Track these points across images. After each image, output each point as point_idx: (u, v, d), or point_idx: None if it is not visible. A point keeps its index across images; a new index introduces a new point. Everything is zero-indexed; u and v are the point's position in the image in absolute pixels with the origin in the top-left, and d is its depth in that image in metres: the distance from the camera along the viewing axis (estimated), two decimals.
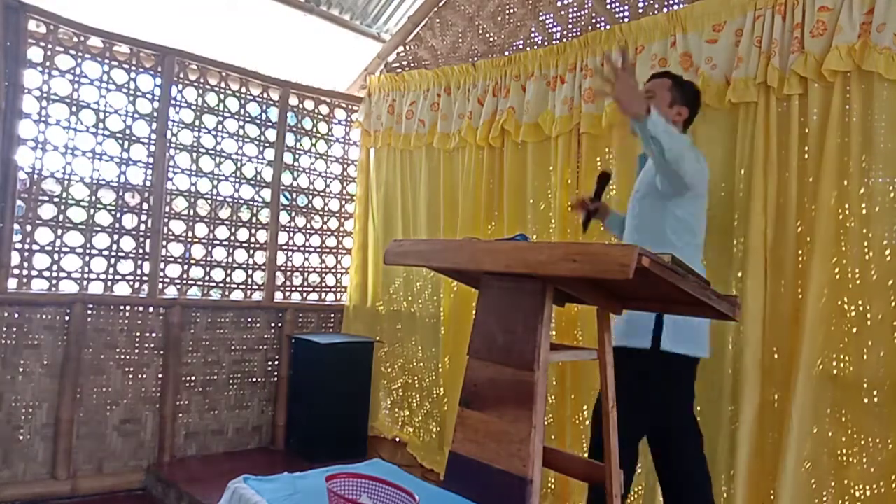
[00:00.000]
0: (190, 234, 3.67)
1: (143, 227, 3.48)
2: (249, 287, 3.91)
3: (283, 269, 4.09)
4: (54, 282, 3.20)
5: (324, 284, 4.32)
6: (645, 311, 2.06)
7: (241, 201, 3.89)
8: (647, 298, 1.85)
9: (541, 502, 1.84)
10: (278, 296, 4.04)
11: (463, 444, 1.73)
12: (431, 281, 3.78)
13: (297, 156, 4.15)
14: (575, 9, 3.30)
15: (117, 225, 3.38)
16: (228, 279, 3.82)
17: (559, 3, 3.38)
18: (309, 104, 4.21)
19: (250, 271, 3.91)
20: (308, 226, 4.23)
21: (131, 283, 3.44)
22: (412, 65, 4.16)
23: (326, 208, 4.32)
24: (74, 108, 3.24)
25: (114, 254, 3.37)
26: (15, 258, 3.06)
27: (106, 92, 3.34)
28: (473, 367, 1.78)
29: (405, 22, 4.13)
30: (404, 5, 4.14)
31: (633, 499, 2.75)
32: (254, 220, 3.97)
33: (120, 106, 3.39)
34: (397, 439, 4.03)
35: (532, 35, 3.51)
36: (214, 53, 3.74)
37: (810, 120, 2.34)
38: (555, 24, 3.41)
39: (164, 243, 3.54)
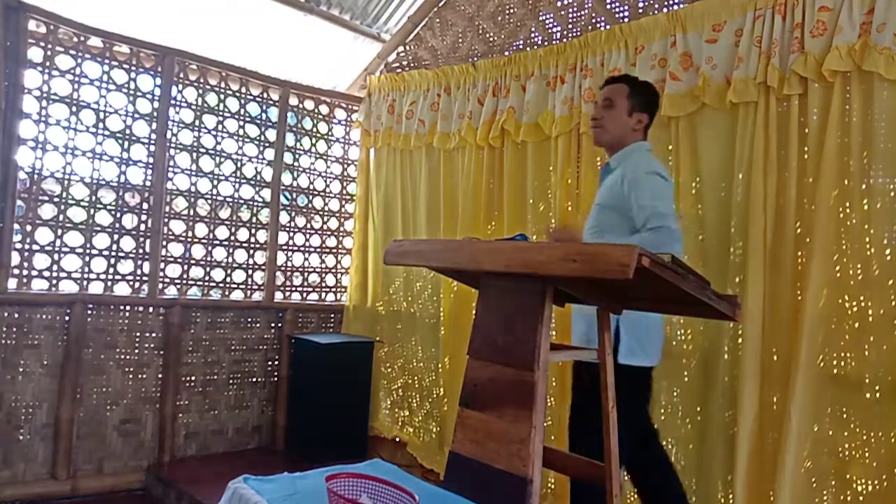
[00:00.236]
0: (190, 234, 3.67)
1: (143, 227, 3.48)
2: (249, 287, 3.91)
3: (283, 269, 4.09)
4: (54, 282, 3.20)
5: (324, 284, 4.32)
6: (644, 312, 2.05)
7: (241, 201, 3.89)
8: (647, 298, 1.85)
9: (541, 502, 1.84)
10: (278, 296, 4.04)
11: (463, 444, 1.73)
12: (431, 281, 3.78)
13: (297, 156, 4.15)
14: (575, 9, 3.30)
15: (117, 225, 3.38)
16: (228, 279, 3.82)
17: (559, 3, 3.38)
18: (309, 104, 4.21)
19: (250, 271, 3.91)
20: (308, 226, 4.23)
21: (131, 283, 3.44)
22: (412, 65, 4.16)
23: (326, 208, 4.32)
24: (74, 108, 3.24)
25: (114, 254, 3.37)
26: (15, 258, 3.06)
27: (106, 92, 3.34)
28: (473, 367, 1.78)
29: (405, 22, 4.14)
30: (404, 5, 4.14)
31: (632, 499, 2.75)
32: (254, 220, 3.97)
33: (120, 106, 3.39)
34: (397, 439, 4.03)
35: (532, 35, 3.51)
36: (214, 53, 3.74)
37: (810, 120, 2.33)
38: (555, 24, 3.41)
39: (164, 243, 3.54)
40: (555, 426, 3.03)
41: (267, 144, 3.97)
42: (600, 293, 1.82)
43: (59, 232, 3.21)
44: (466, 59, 3.80)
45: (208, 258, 3.74)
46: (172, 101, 3.56)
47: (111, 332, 3.34)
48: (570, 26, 3.32)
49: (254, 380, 3.90)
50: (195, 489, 3.05)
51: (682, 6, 2.76)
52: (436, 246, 1.99)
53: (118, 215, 3.38)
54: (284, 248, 4.10)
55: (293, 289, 4.15)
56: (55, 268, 3.20)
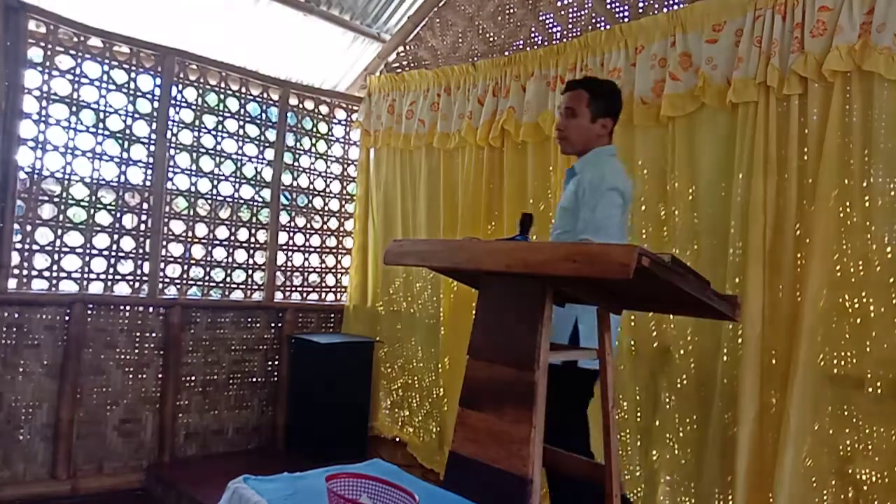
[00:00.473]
0: (190, 234, 3.67)
1: (143, 227, 3.48)
2: (249, 287, 3.91)
3: (283, 269, 4.09)
4: (54, 282, 3.20)
5: (324, 284, 4.32)
6: (645, 312, 2.06)
7: (241, 201, 3.89)
8: (647, 298, 1.85)
9: (541, 502, 1.84)
10: (278, 296, 4.04)
11: (463, 444, 1.73)
12: (431, 281, 3.78)
13: (297, 156, 4.15)
14: (575, 9, 3.30)
15: (117, 225, 3.38)
16: (228, 279, 3.82)
17: (559, 3, 3.38)
18: (309, 104, 4.21)
19: (250, 271, 3.91)
20: (308, 226, 4.23)
21: (131, 283, 3.44)
22: (412, 65, 4.16)
23: (326, 208, 4.32)
24: (74, 108, 3.24)
25: (114, 254, 3.37)
26: (15, 258, 3.06)
27: (106, 92, 3.34)
28: (473, 367, 1.78)
29: (405, 22, 4.14)
30: (404, 5, 4.14)
31: (633, 499, 2.75)
32: (254, 220, 3.97)
33: (120, 106, 3.39)
34: (397, 439, 4.03)
35: (532, 35, 3.51)
36: (214, 53, 3.74)
37: (810, 120, 2.34)
38: (555, 24, 3.41)
39: (164, 243, 3.54)
40: None
41: (267, 144, 3.97)
42: (600, 293, 1.82)
43: (59, 232, 3.21)
44: (466, 59, 3.80)
45: (208, 258, 3.74)
46: (172, 101, 3.56)
47: (111, 332, 3.34)
48: (570, 26, 3.32)
49: (254, 380, 3.90)
50: (195, 489, 3.05)
51: (682, 6, 2.76)
52: (436, 246, 1.99)
53: (118, 215, 3.38)
54: (284, 248, 4.10)
55: (293, 289, 4.15)
56: (55, 268, 3.20)
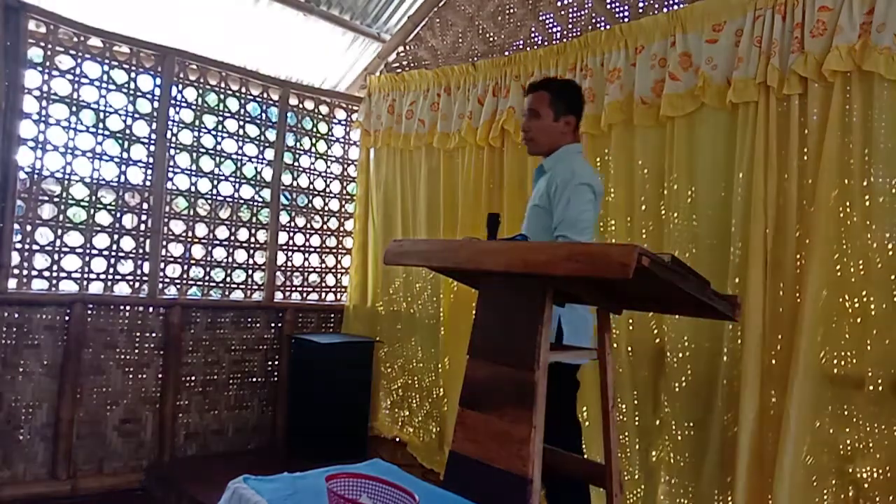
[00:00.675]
0: (190, 234, 3.67)
1: (143, 227, 3.48)
2: (249, 287, 3.91)
3: (283, 269, 4.09)
4: (54, 282, 3.20)
5: (324, 284, 4.32)
6: (644, 312, 2.06)
7: (241, 201, 3.89)
8: (647, 298, 1.85)
9: (541, 502, 1.84)
10: (278, 296, 4.04)
11: (463, 443, 1.73)
12: (431, 282, 3.78)
13: (297, 156, 4.15)
14: (575, 9, 3.30)
15: (117, 225, 3.38)
16: (228, 279, 3.82)
17: (559, 3, 3.38)
18: (309, 104, 4.21)
19: (250, 271, 3.91)
20: (308, 226, 4.23)
21: (131, 283, 3.44)
22: (412, 65, 4.16)
23: (326, 208, 4.32)
24: (74, 108, 3.23)
25: (114, 254, 3.37)
26: (15, 258, 3.06)
27: (106, 92, 3.34)
28: (473, 367, 1.78)
29: (405, 22, 4.14)
30: (404, 5, 4.14)
31: (633, 500, 2.75)
32: (254, 220, 3.97)
33: (120, 106, 3.39)
34: (397, 439, 4.03)
35: (532, 35, 3.51)
36: (214, 53, 3.74)
37: (810, 120, 2.34)
38: (555, 24, 3.41)
39: (164, 243, 3.54)
40: None
41: (267, 144, 3.97)
42: (600, 293, 1.82)
43: (59, 232, 3.21)
44: (466, 59, 3.80)
45: (208, 258, 3.74)
46: (172, 101, 3.56)
47: (111, 332, 3.34)
48: (570, 26, 3.32)
49: (254, 380, 3.90)
50: (195, 489, 3.05)
51: (682, 6, 2.76)
52: (436, 246, 1.99)
53: (118, 215, 3.38)
54: (284, 248, 4.10)
55: (293, 289, 4.15)
56: (55, 268, 3.20)
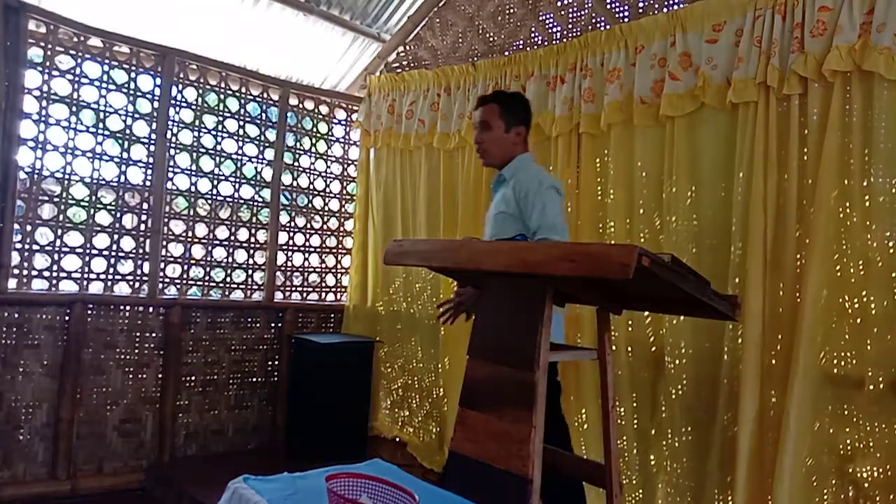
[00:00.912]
0: (190, 234, 3.67)
1: (143, 227, 3.48)
2: (249, 287, 3.91)
3: (283, 269, 4.09)
4: (54, 282, 3.20)
5: (324, 284, 4.32)
6: (644, 312, 2.06)
7: (241, 201, 3.89)
8: (647, 298, 1.85)
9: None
10: (278, 296, 4.04)
11: (463, 444, 1.73)
12: (431, 282, 3.78)
13: (297, 156, 4.15)
14: (575, 9, 3.30)
15: (117, 225, 3.38)
16: (228, 279, 3.82)
17: (559, 3, 3.38)
18: (309, 104, 4.21)
19: (250, 271, 3.91)
20: (308, 226, 4.23)
21: (131, 283, 3.44)
22: (412, 65, 4.16)
23: (326, 208, 4.32)
24: (74, 108, 3.23)
25: (114, 254, 3.37)
26: (15, 258, 3.06)
27: (106, 92, 3.34)
28: (473, 367, 1.78)
29: (405, 22, 4.14)
30: (404, 5, 4.14)
31: (633, 500, 2.75)
32: (254, 220, 3.97)
33: (120, 106, 3.39)
34: (397, 439, 4.03)
35: (532, 35, 3.51)
36: (214, 53, 3.74)
37: (810, 120, 2.33)
38: (555, 24, 3.41)
39: (164, 243, 3.54)
40: None
41: (267, 144, 3.97)
42: (600, 293, 1.82)
43: (59, 232, 3.21)
44: (466, 59, 3.80)
45: (208, 258, 3.74)
46: (172, 101, 3.56)
47: (111, 332, 3.34)
48: (570, 26, 3.32)
49: (254, 380, 3.90)
50: (195, 489, 3.05)
51: (682, 6, 2.76)
52: (436, 246, 1.99)
53: (118, 215, 3.38)
54: (284, 248, 4.10)
55: (293, 289, 4.15)
56: (55, 268, 3.20)
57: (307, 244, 4.22)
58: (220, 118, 3.77)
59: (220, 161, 3.78)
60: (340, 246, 4.40)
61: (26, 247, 3.11)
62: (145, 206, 3.48)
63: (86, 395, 3.25)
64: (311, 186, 4.23)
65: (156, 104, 3.51)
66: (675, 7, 2.82)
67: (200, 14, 3.68)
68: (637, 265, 1.32)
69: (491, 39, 3.73)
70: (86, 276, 3.28)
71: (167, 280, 3.57)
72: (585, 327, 2.92)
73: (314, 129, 4.24)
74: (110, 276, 3.36)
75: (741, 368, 2.39)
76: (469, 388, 1.77)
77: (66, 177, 3.22)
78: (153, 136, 3.50)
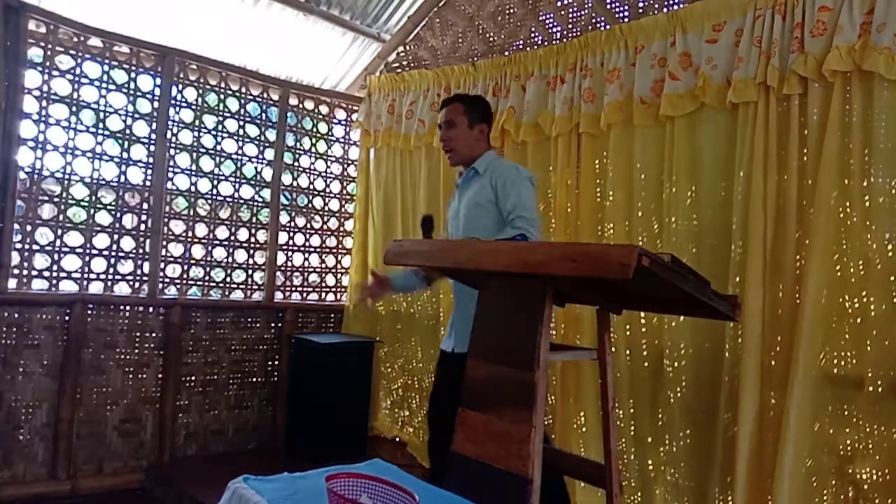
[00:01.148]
0: (190, 234, 3.67)
1: (143, 227, 3.48)
2: (249, 287, 3.91)
3: (282, 269, 4.09)
4: (54, 282, 3.20)
5: (324, 284, 4.32)
6: (644, 312, 2.06)
7: (241, 201, 3.89)
8: (647, 298, 1.85)
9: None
10: (278, 296, 4.04)
11: (463, 444, 1.73)
12: None
13: (297, 156, 4.15)
14: (575, 9, 3.30)
15: (117, 225, 3.38)
16: (228, 279, 3.82)
17: (559, 3, 3.38)
18: (309, 104, 4.21)
19: (250, 271, 3.91)
20: (308, 226, 4.23)
21: (131, 283, 3.44)
22: (412, 65, 4.16)
23: (326, 208, 4.32)
24: (74, 108, 3.23)
25: (114, 254, 3.37)
26: (15, 258, 3.06)
27: (106, 92, 3.34)
28: (473, 367, 1.78)
29: (405, 22, 4.14)
30: (404, 5, 4.14)
31: (633, 500, 2.75)
32: (254, 220, 3.97)
33: (120, 106, 3.39)
34: (397, 439, 4.03)
35: (532, 35, 3.51)
36: (214, 53, 3.74)
37: (810, 120, 2.33)
38: (555, 24, 3.41)
39: (164, 243, 3.54)
40: (555, 425, 3.04)
41: (267, 144, 3.97)
42: (600, 293, 1.82)
43: (59, 232, 3.21)
44: (466, 59, 3.80)
45: (208, 258, 3.74)
46: (172, 101, 3.56)
47: (111, 332, 3.34)
48: (570, 26, 3.32)
49: (254, 380, 3.90)
50: (195, 489, 3.05)
51: (682, 6, 2.76)
52: (436, 246, 1.99)
53: (118, 215, 3.38)
54: (284, 247, 4.10)
55: (293, 289, 4.15)
56: (55, 268, 3.20)
57: (307, 244, 4.22)
58: (220, 118, 3.77)
59: (220, 161, 3.78)
60: (340, 246, 4.39)
61: (26, 247, 3.11)
62: (145, 206, 3.48)
63: (86, 395, 3.25)
64: (311, 186, 4.23)
65: (156, 104, 3.51)
66: (675, 7, 2.82)
67: (200, 14, 3.68)
68: (637, 265, 1.32)
69: (491, 39, 3.73)
70: (86, 276, 3.28)
71: (167, 280, 3.57)
72: (585, 327, 2.92)
73: (314, 129, 4.24)
74: (110, 276, 3.36)
75: (741, 368, 2.39)
76: (469, 388, 1.77)
77: (66, 177, 3.22)
78: (153, 136, 3.50)
